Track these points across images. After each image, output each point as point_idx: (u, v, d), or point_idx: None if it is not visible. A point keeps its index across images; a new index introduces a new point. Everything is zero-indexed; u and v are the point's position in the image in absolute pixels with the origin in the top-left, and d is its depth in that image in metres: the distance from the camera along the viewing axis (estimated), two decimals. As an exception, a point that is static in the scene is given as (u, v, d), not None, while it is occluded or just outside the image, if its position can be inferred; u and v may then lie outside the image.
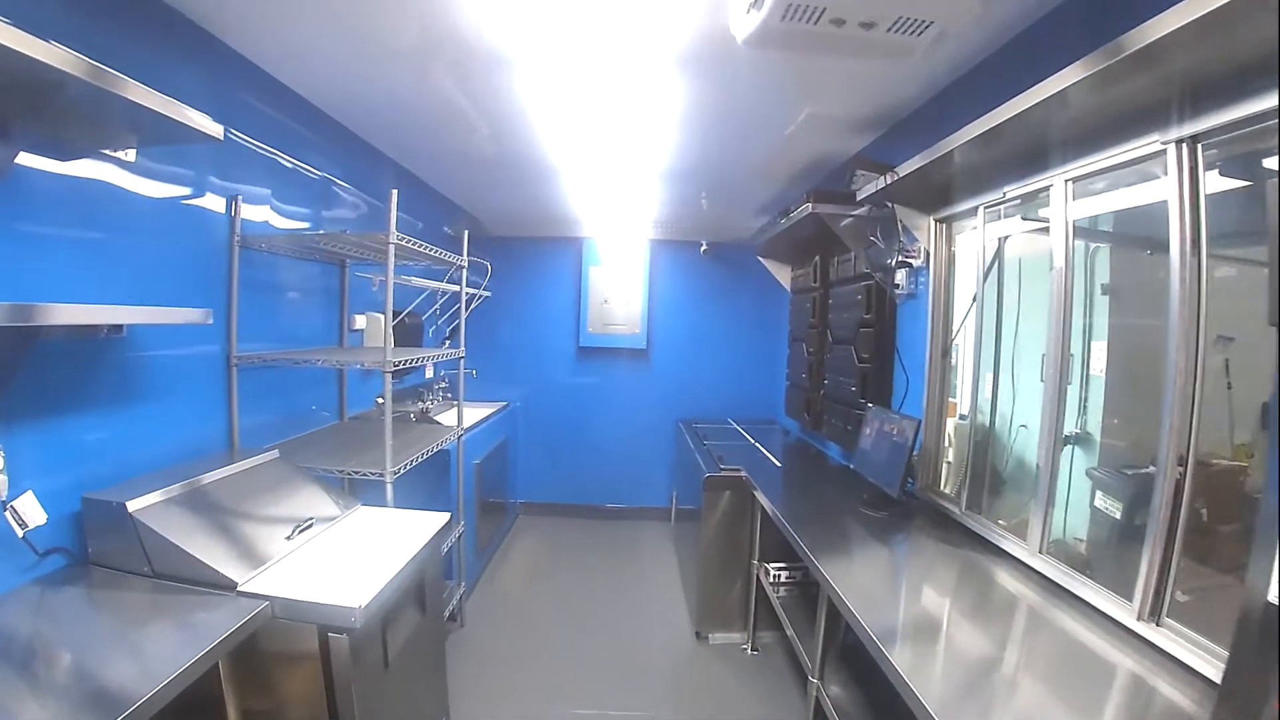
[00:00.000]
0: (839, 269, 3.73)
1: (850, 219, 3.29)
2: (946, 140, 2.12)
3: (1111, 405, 2.29)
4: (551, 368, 5.85)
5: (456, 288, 4.71)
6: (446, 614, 3.61)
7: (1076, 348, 2.23)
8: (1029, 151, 2.16)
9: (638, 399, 5.84)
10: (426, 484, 3.76)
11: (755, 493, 3.30)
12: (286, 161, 2.89)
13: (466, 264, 3.48)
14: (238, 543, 1.90)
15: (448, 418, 5.01)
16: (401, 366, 2.69)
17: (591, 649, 3.62)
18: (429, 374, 5.03)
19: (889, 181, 2.60)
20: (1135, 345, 2.21)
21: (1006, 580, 2.12)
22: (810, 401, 4.21)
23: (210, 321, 1.89)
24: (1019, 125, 1.88)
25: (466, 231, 3.54)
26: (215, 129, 1.85)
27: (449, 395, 5.46)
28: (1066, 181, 2.11)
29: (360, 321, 3.85)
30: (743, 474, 3.47)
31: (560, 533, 5.55)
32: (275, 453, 2.54)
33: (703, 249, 5.59)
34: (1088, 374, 2.33)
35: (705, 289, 5.80)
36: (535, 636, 3.75)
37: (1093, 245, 2.31)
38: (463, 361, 3.64)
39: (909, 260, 3.05)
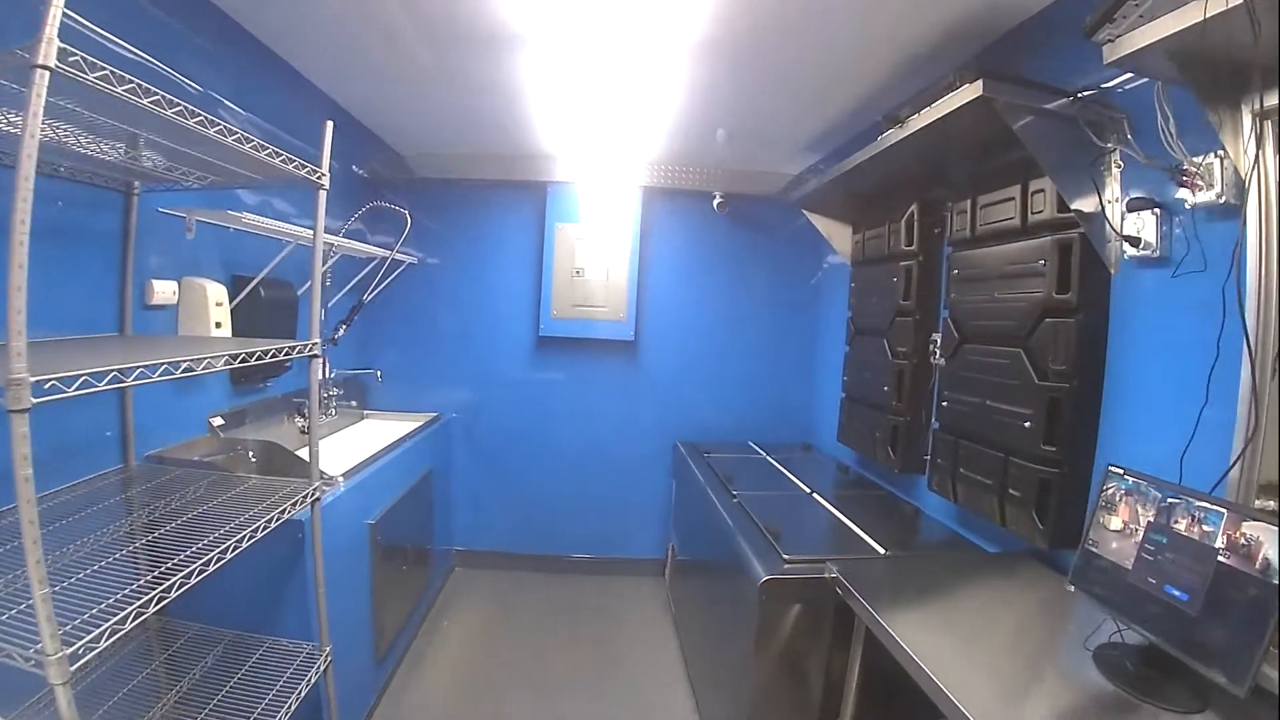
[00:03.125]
0: (980, 216, 2.28)
1: (1034, 116, 1.84)
2: None
3: None
4: (501, 365, 4.30)
5: (346, 243, 3.16)
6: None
7: None
8: None
9: (622, 410, 4.33)
10: (269, 578, 2.24)
11: (865, 614, 1.83)
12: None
13: (326, 180, 1.95)
14: None
15: (344, 442, 3.48)
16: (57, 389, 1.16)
17: None
18: (323, 374, 3.49)
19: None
20: None
21: None
22: (900, 432, 2.78)
23: None
24: None
25: (330, 123, 1.98)
26: None
27: (353, 404, 3.93)
28: None
29: (164, 291, 2.34)
30: (836, 577, 1.98)
31: (511, 598, 4.03)
32: None
33: (716, 202, 4.09)
34: None
35: (719, 258, 4.29)
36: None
37: None
38: (319, 362, 2.11)
39: (1186, 187, 1.62)
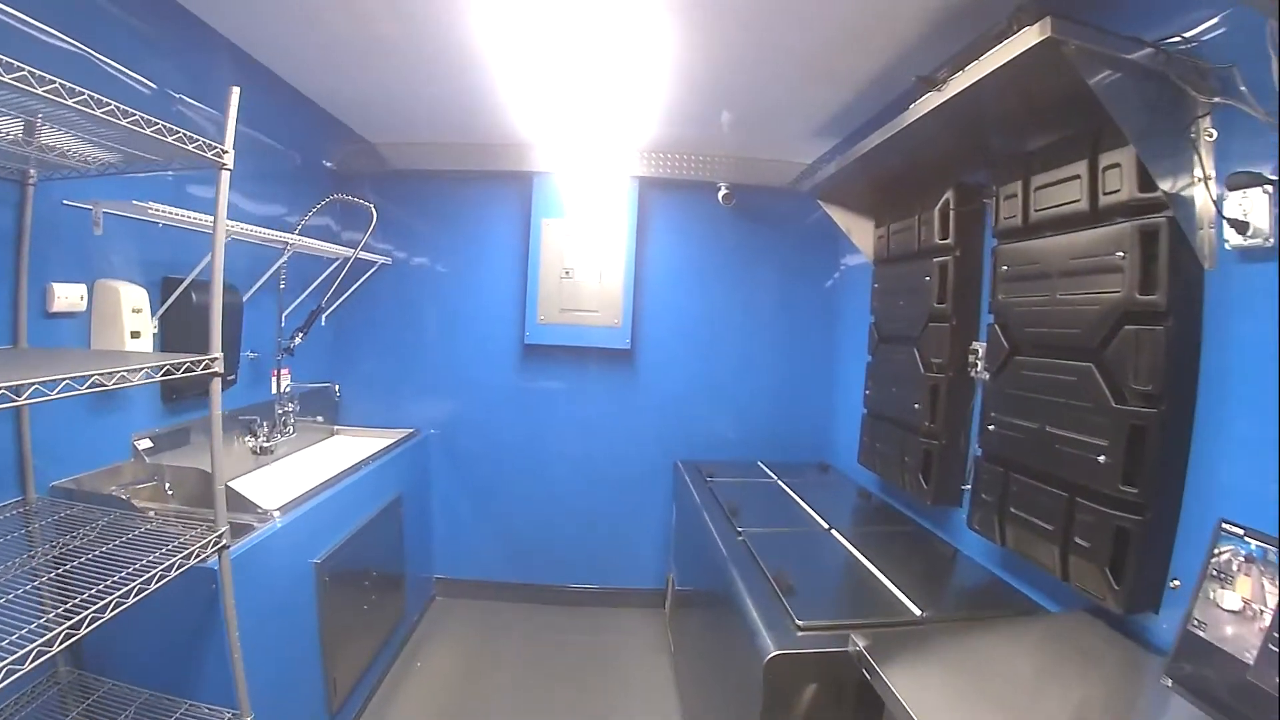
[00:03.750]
0: (1035, 200, 1.90)
1: (1114, 69, 1.47)
2: None
3: None
4: (484, 375, 3.95)
5: (287, 239, 2.81)
6: None
7: None
8: None
9: (617, 426, 3.97)
10: (184, 633, 1.90)
11: (900, 709, 1.45)
12: None
13: (229, 159, 1.61)
14: None
15: (300, 465, 3.15)
16: None
17: None
18: (278, 388, 3.16)
19: None
20: None
21: None
22: (934, 458, 2.40)
23: None
24: None
25: (237, 91, 1.63)
26: None
27: (318, 419, 3.60)
28: None
29: (68, 296, 2.03)
30: (862, 652, 1.59)
31: (492, 633, 3.68)
32: None
33: (721, 194, 3.72)
34: None
35: (725, 256, 3.92)
36: None
37: None
38: (219, 381, 1.76)
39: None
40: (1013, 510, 1.93)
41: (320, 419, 3.66)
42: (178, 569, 1.54)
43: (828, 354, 3.92)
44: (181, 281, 2.33)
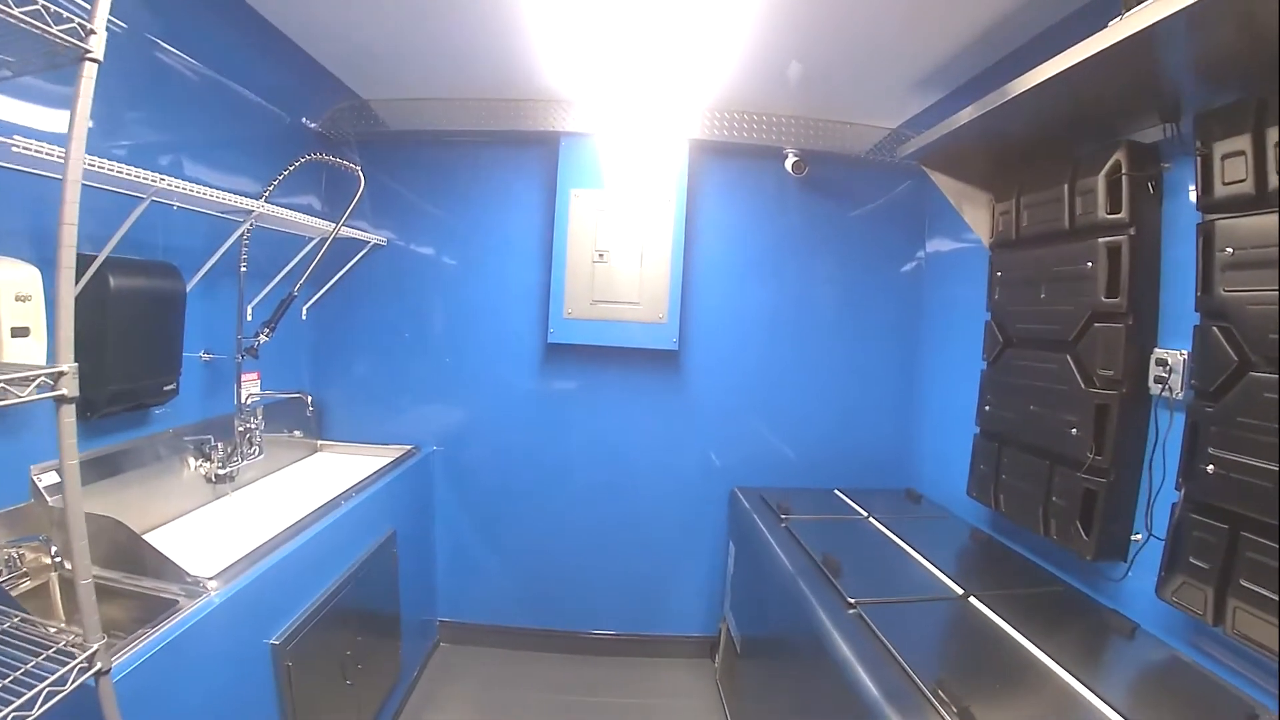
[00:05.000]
0: (1277, 159, 1.48)
1: None
2: None
3: None
4: (497, 381, 3.55)
5: (257, 208, 2.38)
6: None
7: None
8: None
9: (660, 443, 3.56)
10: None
11: None
12: None
13: (97, 45, 1.15)
14: None
15: (266, 495, 2.76)
16: None
17: None
18: (243, 397, 2.76)
19: None
20: None
21: None
22: (1099, 500, 1.97)
23: None
24: None
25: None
26: None
27: (296, 433, 3.22)
28: None
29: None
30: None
31: (504, 693, 3.28)
32: None
33: (791, 161, 3.29)
34: None
35: (793, 238, 3.49)
36: None
37: None
38: (71, 411, 1.39)
39: None
40: (1243, 583, 1.50)
41: (299, 433, 3.27)
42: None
43: (911, 357, 3.51)
44: (94, 260, 1.91)
